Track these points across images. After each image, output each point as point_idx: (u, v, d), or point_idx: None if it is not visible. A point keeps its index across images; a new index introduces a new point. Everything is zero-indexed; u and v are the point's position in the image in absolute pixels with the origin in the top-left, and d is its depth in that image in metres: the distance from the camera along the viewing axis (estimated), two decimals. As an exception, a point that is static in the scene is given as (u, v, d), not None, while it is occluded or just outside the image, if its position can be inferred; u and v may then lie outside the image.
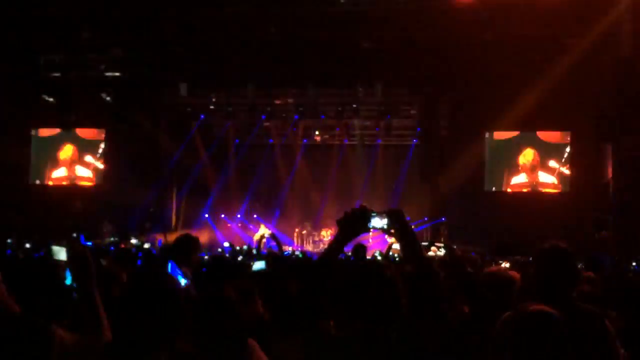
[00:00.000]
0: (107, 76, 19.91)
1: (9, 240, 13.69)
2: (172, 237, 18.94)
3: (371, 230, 3.60)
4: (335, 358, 3.28)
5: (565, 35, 17.31)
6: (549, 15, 15.23)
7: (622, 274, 8.76)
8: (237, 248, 17.51)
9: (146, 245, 15.64)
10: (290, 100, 22.55)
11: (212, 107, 22.89)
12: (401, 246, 3.63)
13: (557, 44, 17.64)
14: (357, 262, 6.77)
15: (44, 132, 22.79)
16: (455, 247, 10.80)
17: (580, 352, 3.36)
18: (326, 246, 3.82)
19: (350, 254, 8.95)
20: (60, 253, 6.09)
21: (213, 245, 20.45)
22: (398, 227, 3.54)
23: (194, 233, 21.14)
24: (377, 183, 23.15)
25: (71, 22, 18.37)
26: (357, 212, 3.53)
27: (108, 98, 20.04)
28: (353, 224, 3.53)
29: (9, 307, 3.35)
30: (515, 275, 5.07)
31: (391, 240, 3.82)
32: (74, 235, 16.19)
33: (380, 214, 3.53)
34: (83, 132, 22.51)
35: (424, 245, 6.15)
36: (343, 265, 3.72)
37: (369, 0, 13.79)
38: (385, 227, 3.54)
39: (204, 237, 21.42)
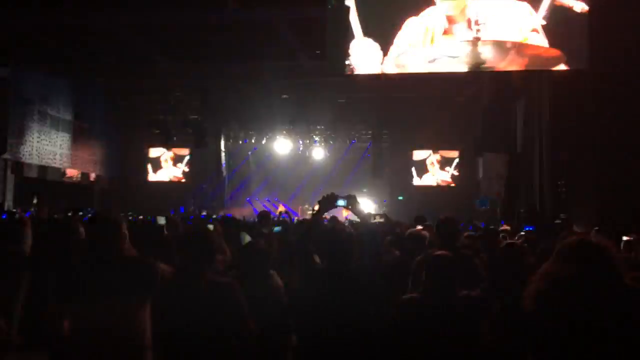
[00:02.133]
0: (190, 118, 19.96)
1: (129, 213, 13.76)
2: (227, 211, 19.07)
3: (337, 206, 3.67)
4: (318, 281, 3.31)
5: (454, 94, 17.39)
6: (444, 82, 15.23)
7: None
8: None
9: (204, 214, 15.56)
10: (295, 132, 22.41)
11: (251, 134, 22.87)
12: (354, 214, 3.72)
13: (450, 100, 17.73)
14: (331, 226, 6.74)
15: (154, 150, 22.83)
16: (391, 218, 10.78)
17: (463, 276, 3.39)
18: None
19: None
20: (161, 220, 6.08)
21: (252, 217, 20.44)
22: (352, 204, 3.63)
23: (240, 209, 21.19)
24: (346, 180, 23.17)
25: (167, 87, 18.45)
26: (328, 196, 3.62)
27: (191, 130, 20.02)
28: (326, 203, 3.59)
29: (130, 251, 3.31)
30: (426, 233, 5.11)
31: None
32: (172, 211, 16.21)
33: (343, 197, 3.62)
34: (176, 150, 22.54)
35: (369, 215, 6.17)
36: (323, 227, 3.76)
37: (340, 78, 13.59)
38: (345, 204, 3.61)
39: (246, 212, 21.48)
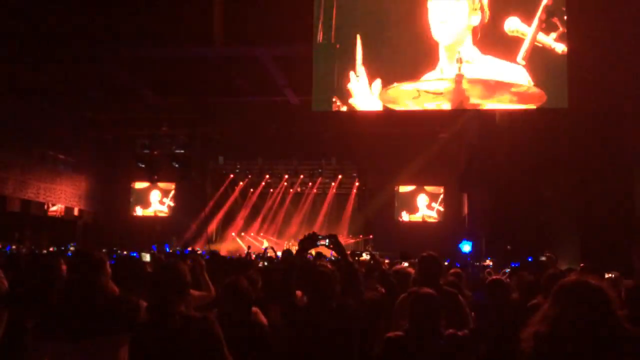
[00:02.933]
0: (176, 153, 19.92)
1: (114, 248, 13.57)
2: (213, 247, 18.88)
3: (318, 246, 3.67)
4: (300, 319, 3.29)
5: (439, 131, 17.60)
6: (428, 119, 15.41)
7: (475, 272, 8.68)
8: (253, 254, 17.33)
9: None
10: (282, 167, 22.49)
11: (237, 170, 22.84)
12: (336, 253, 3.70)
13: (435, 137, 17.91)
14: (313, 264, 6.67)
15: (139, 185, 22.69)
16: (376, 253, 10.77)
17: (447, 315, 3.39)
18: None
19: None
20: (146, 257, 6.03)
21: (238, 252, 20.23)
22: (333, 243, 3.61)
23: (227, 244, 20.88)
24: (333, 214, 23.11)
25: (153, 121, 18.45)
26: (309, 235, 3.62)
27: (177, 165, 19.96)
28: (307, 243, 3.58)
29: (112, 289, 3.27)
30: (411, 270, 5.15)
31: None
32: (154, 247, 16.00)
33: (324, 237, 3.62)
34: (162, 185, 22.42)
35: (354, 254, 6.14)
36: (305, 265, 3.74)
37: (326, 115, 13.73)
38: (327, 244, 3.59)
39: (233, 246, 21.31)
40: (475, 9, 10.07)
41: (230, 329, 3.17)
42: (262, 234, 23.20)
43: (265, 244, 20.84)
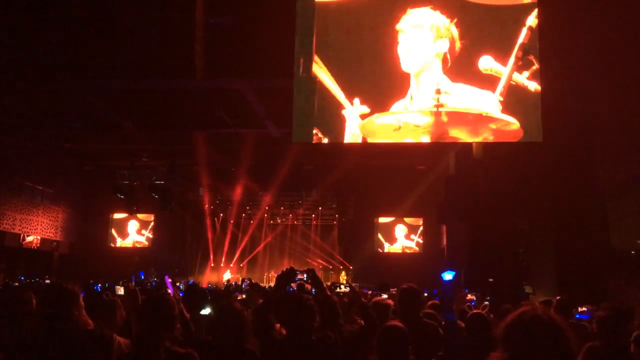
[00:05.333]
0: (156, 183, 19.75)
1: (91, 281, 13.32)
2: (192, 278, 18.62)
3: (297, 281, 3.77)
4: (278, 352, 3.25)
5: (418, 163, 17.74)
6: (407, 152, 15.51)
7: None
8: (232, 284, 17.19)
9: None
10: (263, 199, 22.40)
11: (217, 202, 22.72)
12: (314, 287, 3.71)
13: (414, 169, 18.05)
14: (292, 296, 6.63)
15: (117, 216, 22.42)
16: (355, 284, 10.69)
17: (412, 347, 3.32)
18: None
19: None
20: (120, 290, 5.91)
21: (217, 283, 20.00)
22: (311, 278, 3.65)
23: (206, 276, 20.68)
24: (313, 247, 23.04)
25: (133, 152, 18.33)
26: (288, 270, 3.65)
27: (156, 196, 19.78)
28: (285, 277, 3.59)
29: (86, 323, 3.19)
30: (390, 302, 5.03)
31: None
32: (133, 277, 15.72)
33: (302, 272, 3.68)
34: (141, 216, 22.18)
35: (334, 286, 6.11)
36: (283, 297, 3.70)
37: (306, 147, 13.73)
38: (305, 278, 3.66)
39: (213, 278, 21.10)
40: (442, 37, 10.25)
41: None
42: (241, 265, 23.03)
43: (226, 276, 20.75)
